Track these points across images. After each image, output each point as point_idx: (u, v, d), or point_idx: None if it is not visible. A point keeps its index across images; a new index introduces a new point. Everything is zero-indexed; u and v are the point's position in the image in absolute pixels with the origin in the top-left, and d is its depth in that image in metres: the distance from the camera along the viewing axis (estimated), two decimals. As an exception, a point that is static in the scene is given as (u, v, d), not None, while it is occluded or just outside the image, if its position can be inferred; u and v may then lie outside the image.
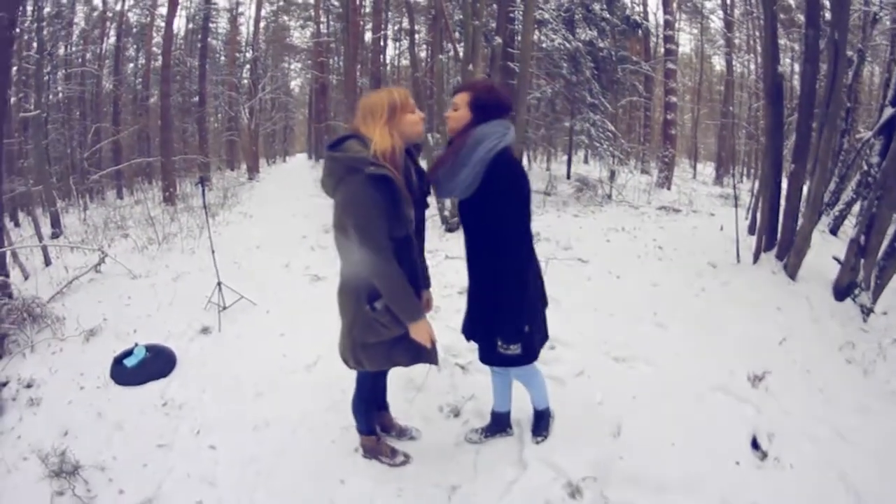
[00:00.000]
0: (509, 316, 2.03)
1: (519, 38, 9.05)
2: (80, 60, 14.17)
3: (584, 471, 2.42)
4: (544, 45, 10.35)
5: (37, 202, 10.06)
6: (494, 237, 1.97)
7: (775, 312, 3.87)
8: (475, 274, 2.17)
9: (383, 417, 2.73)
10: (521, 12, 9.34)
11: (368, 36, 16.13)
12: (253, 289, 4.68)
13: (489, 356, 2.24)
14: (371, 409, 2.52)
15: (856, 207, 5.35)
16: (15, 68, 9.69)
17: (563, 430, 2.69)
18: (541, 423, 2.64)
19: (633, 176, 11.69)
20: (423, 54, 15.72)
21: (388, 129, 1.86)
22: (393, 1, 16.02)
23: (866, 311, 3.80)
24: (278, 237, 6.94)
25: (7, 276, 4.56)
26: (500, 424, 2.68)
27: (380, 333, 2.04)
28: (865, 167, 4.93)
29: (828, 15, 4.61)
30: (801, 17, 10.67)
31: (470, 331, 2.32)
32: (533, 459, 2.51)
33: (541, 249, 5.43)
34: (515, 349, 2.07)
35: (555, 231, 6.55)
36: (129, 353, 3.45)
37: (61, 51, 13.64)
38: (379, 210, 1.83)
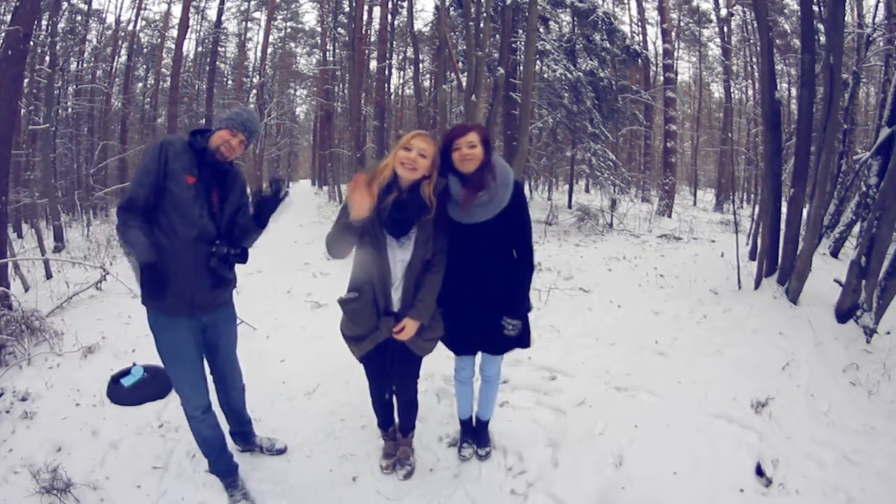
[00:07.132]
0: (523, 296, 2.38)
1: (521, 68, 9.21)
2: (90, 77, 14.51)
3: (586, 501, 2.38)
4: (546, 76, 10.52)
5: (41, 215, 10.14)
6: (520, 244, 2.36)
7: (778, 337, 3.84)
8: (487, 278, 2.33)
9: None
10: (523, 43, 9.52)
11: (373, 65, 16.45)
12: (253, 314, 4.67)
13: (501, 343, 2.42)
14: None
15: (856, 229, 5.35)
16: (27, 81, 9.87)
17: (564, 461, 2.65)
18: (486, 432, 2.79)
19: (633, 204, 11.76)
20: (427, 83, 15.99)
21: None
22: (398, 31, 16.36)
23: (869, 332, 3.77)
24: (280, 263, 6.94)
25: (7, 287, 4.54)
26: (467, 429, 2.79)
27: None
28: (864, 188, 4.94)
29: (822, 39, 4.68)
30: (796, 43, 10.89)
31: (469, 342, 2.48)
32: (533, 490, 2.47)
33: (542, 279, 5.50)
34: (518, 325, 2.34)
35: (556, 261, 6.56)
36: (126, 373, 3.42)
37: (73, 66, 14.00)
38: None
